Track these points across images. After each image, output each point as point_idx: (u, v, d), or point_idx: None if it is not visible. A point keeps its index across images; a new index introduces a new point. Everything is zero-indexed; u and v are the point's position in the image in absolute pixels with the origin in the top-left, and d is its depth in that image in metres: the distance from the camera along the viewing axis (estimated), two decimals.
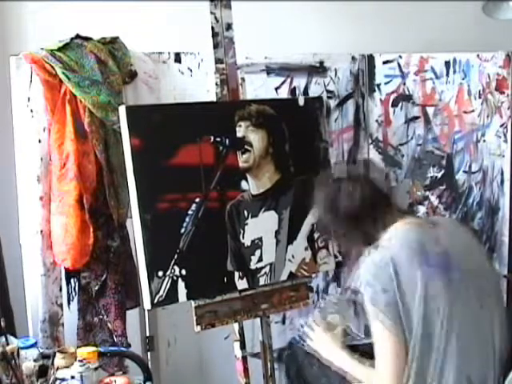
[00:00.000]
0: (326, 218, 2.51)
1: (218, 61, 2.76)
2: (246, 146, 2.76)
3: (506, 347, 2.41)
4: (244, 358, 2.83)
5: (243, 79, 2.91)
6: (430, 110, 3.67)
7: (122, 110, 2.52)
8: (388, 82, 3.60)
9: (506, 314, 2.45)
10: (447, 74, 3.67)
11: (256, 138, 2.78)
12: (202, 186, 2.65)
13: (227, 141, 2.70)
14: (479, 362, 2.31)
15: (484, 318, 2.34)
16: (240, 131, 2.76)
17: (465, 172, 3.74)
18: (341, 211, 2.40)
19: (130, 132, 2.51)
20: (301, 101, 3.00)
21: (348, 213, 2.39)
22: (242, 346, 2.82)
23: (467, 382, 2.27)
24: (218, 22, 2.75)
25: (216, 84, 2.76)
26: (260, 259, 2.78)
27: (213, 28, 2.75)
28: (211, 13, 2.73)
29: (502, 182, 3.78)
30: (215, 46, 2.76)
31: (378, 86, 3.59)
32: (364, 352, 2.53)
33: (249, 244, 2.76)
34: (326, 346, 2.55)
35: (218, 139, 2.69)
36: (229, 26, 2.78)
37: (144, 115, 2.59)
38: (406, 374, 2.24)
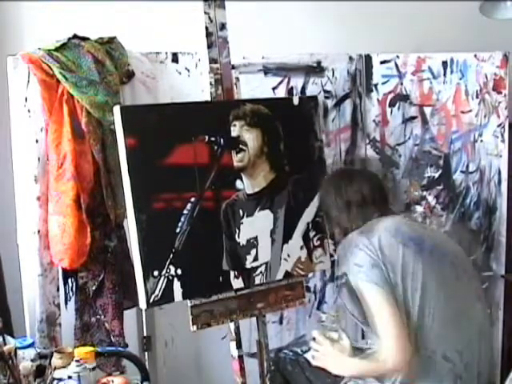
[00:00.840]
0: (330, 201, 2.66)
1: (212, 60, 2.77)
2: (240, 146, 2.76)
3: (488, 323, 2.49)
4: (240, 358, 2.83)
5: (238, 79, 2.91)
6: (428, 110, 3.66)
7: (117, 109, 2.53)
8: (385, 82, 3.59)
9: (505, 311, 2.49)
10: (444, 74, 3.66)
11: (251, 138, 2.79)
12: (197, 185, 2.65)
13: (222, 140, 2.71)
14: (457, 338, 2.35)
15: (460, 290, 2.39)
16: (235, 131, 2.76)
17: (462, 172, 3.73)
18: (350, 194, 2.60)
19: (124, 132, 2.51)
20: (295, 100, 3.00)
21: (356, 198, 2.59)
22: (238, 346, 2.82)
23: (444, 360, 2.34)
24: (211, 21, 2.76)
25: (210, 84, 2.76)
26: (255, 258, 2.78)
27: (207, 28, 2.75)
28: (205, 13, 2.73)
29: (500, 182, 3.77)
30: (209, 46, 2.76)
31: (376, 85, 3.58)
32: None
33: (244, 243, 2.76)
34: (336, 359, 2.53)
35: (213, 139, 2.69)
36: (223, 26, 2.78)
37: (138, 115, 2.59)
38: None
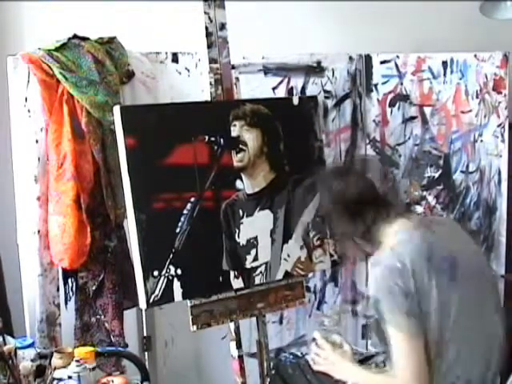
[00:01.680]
0: (328, 208, 2.48)
1: (212, 60, 2.77)
2: (240, 146, 2.76)
3: (503, 344, 2.43)
4: (240, 358, 2.83)
5: (237, 79, 2.91)
6: (428, 110, 3.67)
7: (117, 109, 2.53)
8: (385, 82, 3.60)
9: (505, 312, 2.46)
10: (444, 74, 3.67)
11: (251, 138, 2.79)
12: (196, 185, 2.65)
13: (222, 140, 2.71)
14: (479, 364, 2.31)
15: (484, 309, 2.35)
16: (234, 131, 2.76)
17: (462, 172, 3.74)
18: (346, 200, 2.38)
19: (124, 132, 2.52)
20: (295, 100, 3.01)
21: (353, 202, 2.37)
22: (238, 346, 2.82)
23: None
24: (211, 21, 2.76)
25: (210, 84, 2.76)
26: (255, 258, 2.78)
27: (206, 28, 2.75)
28: (205, 13, 2.74)
29: (500, 181, 3.77)
30: (209, 46, 2.76)
31: (376, 85, 3.59)
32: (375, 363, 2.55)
33: (244, 243, 2.76)
34: (337, 365, 2.46)
35: (213, 139, 2.69)
36: (222, 26, 2.79)
37: (138, 115, 2.60)
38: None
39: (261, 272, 2.80)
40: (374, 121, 3.61)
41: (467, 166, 3.75)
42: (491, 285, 2.46)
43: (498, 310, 2.41)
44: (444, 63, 3.66)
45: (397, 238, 2.31)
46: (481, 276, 2.40)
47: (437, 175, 3.71)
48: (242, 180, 2.78)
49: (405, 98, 3.64)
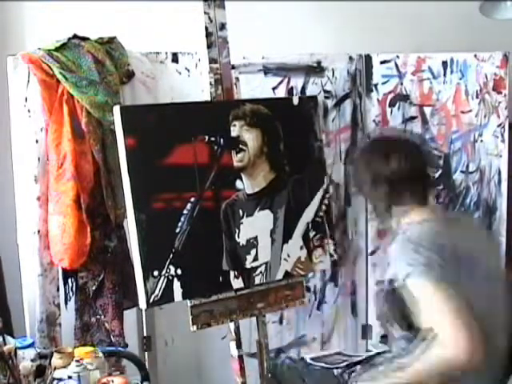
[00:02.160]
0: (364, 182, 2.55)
1: (211, 60, 2.76)
2: (240, 146, 2.76)
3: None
4: (240, 358, 2.83)
5: (237, 79, 2.91)
6: (428, 110, 3.66)
7: (117, 109, 2.53)
8: (385, 82, 3.59)
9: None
10: (444, 74, 3.66)
11: (250, 138, 2.79)
12: (196, 185, 2.65)
13: (222, 140, 2.70)
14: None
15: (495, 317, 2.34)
16: (234, 130, 2.76)
17: (462, 172, 3.73)
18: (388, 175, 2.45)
19: (124, 132, 2.51)
20: (295, 100, 3.00)
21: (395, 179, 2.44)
22: (238, 346, 2.82)
23: None
24: (211, 21, 2.75)
25: (210, 84, 2.76)
26: (255, 258, 2.78)
27: (206, 28, 2.75)
28: (205, 13, 2.73)
29: (500, 182, 3.76)
30: (209, 46, 2.75)
31: (376, 85, 3.58)
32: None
33: (244, 243, 2.76)
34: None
35: (213, 139, 2.69)
36: (222, 26, 2.78)
37: (138, 115, 2.59)
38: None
39: (261, 272, 2.80)
40: (374, 121, 3.60)
41: (467, 166, 3.74)
42: (503, 286, 2.46)
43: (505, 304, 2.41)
44: (444, 63, 3.66)
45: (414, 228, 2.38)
46: (494, 276, 2.41)
47: (437, 175, 3.70)
48: (241, 180, 2.77)
49: (405, 97, 3.63)
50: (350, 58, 3.55)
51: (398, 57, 3.60)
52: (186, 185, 2.64)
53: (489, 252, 2.51)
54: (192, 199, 2.64)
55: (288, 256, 2.87)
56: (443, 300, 2.14)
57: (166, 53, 3.22)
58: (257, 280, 2.79)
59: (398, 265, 2.30)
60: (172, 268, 2.58)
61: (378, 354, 2.85)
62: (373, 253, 3.67)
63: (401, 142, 2.65)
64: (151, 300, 2.54)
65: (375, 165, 2.50)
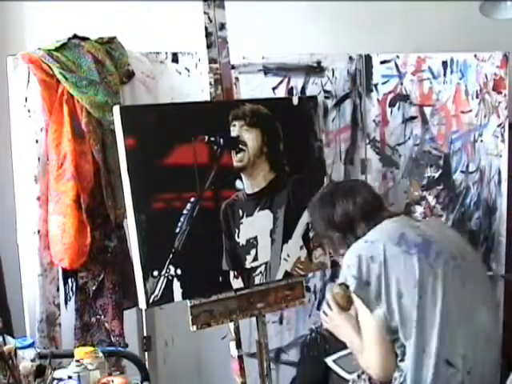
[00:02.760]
0: (319, 226, 2.60)
1: (211, 60, 2.77)
2: (240, 146, 2.76)
3: (496, 328, 2.46)
4: (240, 358, 2.83)
5: (237, 79, 2.91)
6: (428, 110, 3.67)
7: (116, 109, 2.53)
8: (385, 82, 3.60)
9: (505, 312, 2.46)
10: (444, 74, 3.66)
11: (250, 138, 2.79)
12: (196, 185, 2.65)
13: (221, 140, 2.71)
14: (462, 343, 2.34)
15: (466, 297, 2.37)
16: (234, 130, 2.76)
17: (462, 172, 3.74)
18: (336, 219, 2.50)
19: (124, 132, 2.52)
20: (295, 100, 3.00)
21: (343, 220, 2.49)
22: (238, 346, 2.82)
23: (446, 365, 2.31)
24: (211, 21, 2.76)
25: (210, 84, 2.76)
26: (255, 258, 2.78)
27: (206, 28, 2.75)
28: (204, 13, 2.73)
29: (500, 181, 3.77)
30: (209, 46, 2.76)
31: (376, 85, 3.59)
32: None
33: (244, 243, 2.76)
34: (340, 328, 2.53)
35: (213, 139, 2.69)
36: (222, 26, 2.78)
37: (138, 115, 2.60)
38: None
39: (260, 272, 2.80)
40: (374, 121, 3.61)
41: (467, 166, 3.74)
42: (480, 276, 2.52)
43: (486, 303, 2.44)
44: (444, 63, 3.66)
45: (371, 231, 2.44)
46: (467, 266, 2.45)
47: (437, 175, 3.71)
48: (241, 180, 2.77)
49: (405, 97, 3.63)
50: (350, 58, 3.55)
51: (398, 57, 3.60)
52: (186, 185, 2.64)
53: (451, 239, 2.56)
54: (192, 199, 2.64)
55: (288, 256, 2.87)
56: (370, 325, 2.35)
57: (166, 53, 3.22)
58: (257, 280, 2.79)
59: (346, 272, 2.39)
60: (172, 268, 2.58)
61: None
62: None
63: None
64: (151, 300, 2.55)
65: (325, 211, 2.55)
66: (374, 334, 2.34)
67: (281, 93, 3.41)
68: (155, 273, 2.55)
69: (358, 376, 2.56)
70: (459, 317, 2.35)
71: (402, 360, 2.34)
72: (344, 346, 2.61)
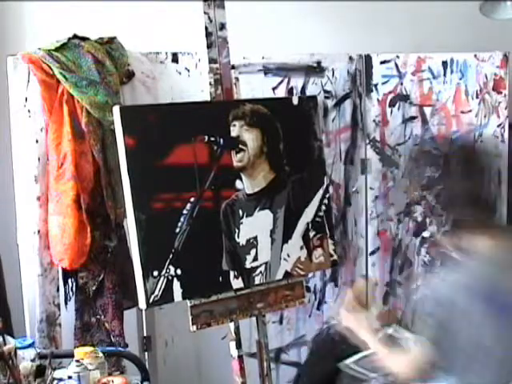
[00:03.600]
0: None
1: (211, 61, 2.76)
2: (240, 146, 2.75)
3: None
4: (240, 358, 2.83)
5: (237, 79, 2.91)
6: (428, 110, 3.67)
7: (116, 110, 2.52)
8: (385, 82, 3.60)
9: None
10: (444, 74, 3.67)
11: (250, 138, 2.78)
12: (196, 185, 2.64)
13: (221, 140, 2.70)
14: None
15: None
16: (234, 130, 2.75)
17: None
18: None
19: (124, 132, 2.51)
20: (295, 100, 3.00)
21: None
22: (238, 346, 2.82)
23: None
24: (211, 21, 2.75)
25: (210, 84, 2.76)
26: (255, 258, 2.78)
27: (206, 28, 2.74)
28: (204, 13, 2.73)
29: (500, 182, 3.76)
30: (209, 46, 2.75)
31: (376, 86, 3.59)
32: None
33: (244, 243, 2.75)
34: (354, 329, 2.48)
35: (212, 139, 2.68)
36: (222, 26, 2.78)
37: (138, 115, 2.58)
38: None
39: (260, 272, 2.80)
40: (374, 121, 3.61)
41: None
42: None
43: None
44: (444, 63, 3.66)
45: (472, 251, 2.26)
46: None
47: (437, 175, 3.70)
48: (241, 180, 2.77)
49: (405, 98, 3.64)
50: (350, 58, 3.55)
51: (398, 57, 3.61)
52: (186, 185, 2.64)
53: None
54: (192, 199, 2.64)
55: (288, 256, 2.86)
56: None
57: (166, 53, 3.23)
58: (256, 280, 2.79)
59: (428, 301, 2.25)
60: (172, 268, 2.57)
61: None
62: (373, 253, 3.67)
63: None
64: (151, 300, 2.54)
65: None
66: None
67: (281, 93, 3.41)
68: (155, 273, 2.54)
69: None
70: None
71: None
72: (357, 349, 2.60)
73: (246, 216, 2.77)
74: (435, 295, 2.22)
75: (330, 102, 3.53)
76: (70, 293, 3.02)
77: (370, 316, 2.48)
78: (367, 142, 3.61)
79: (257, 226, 2.79)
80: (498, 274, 2.21)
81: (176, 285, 2.58)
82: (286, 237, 2.86)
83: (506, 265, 2.23)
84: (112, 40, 3.04)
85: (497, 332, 2.13)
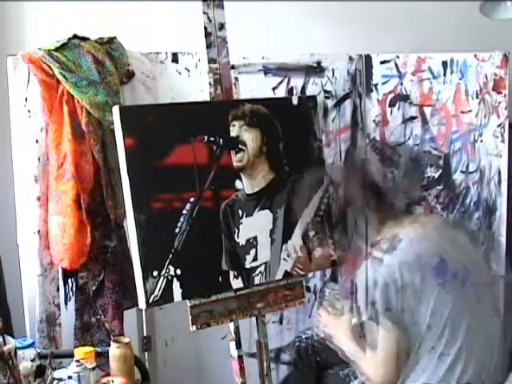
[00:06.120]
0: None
1: (211, 61, 2.76)
2: (239, 146, 2.76)
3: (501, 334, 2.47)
4: (240, 358, 2.83)
5: (237, 79, 2.91)
6: (428, 110, 3.66)
7: (116, 110, 2.53)
8: (385, 82, 3.59)
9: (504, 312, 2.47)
10: (444, 74, 3.66)
11: (250, 138, 2.78)
12: (196, 185, 2.65)
13: (221, 140, 2.70)
14: (479, 356, 2.35)
15: (481, 313, 2.37)
16: (234, 131, 2.76)
17: (462, 172, 3.73)
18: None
19: (123, 132, 2.51)
20: (294, 100, 3.00)
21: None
22: (238, 346, 2.82)
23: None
24: (210, 21, 2.75)
25: (209, 84, 2.76)
26: (255, 258, 2.78)
27: (205, 28, 2.74)
28: (204, 13, 2.73)
29: (500, 182, 3.76)
30: (208, 46, 2.75)
31: (376, 86, 3.59)
32: None
33: (243, 243, 2.76)
34: (333, 333, 2.62)
35: (212, 139, 2.69)
36: (221, 26, 2.78)
37: (137, 115, 2.59)
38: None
39: (260, 272, 2.80)
40: (374, 121, 3.60)
41: (467, 166, 3.74)
42: (489, 284, 2.49)
43: (496, 312, 2.43)
44: (444, 63, 3.66)
45: (398, 238, 2.47)
46: (477, 277, 2.45)
47: (437, 175, 3.71)
48: (241, 180, 2.77)
49: (405, 98, 3.63)
50: (350, 58, 3.55)
51: (398, 57, 3.60)
52: (186, 185, 2.64)
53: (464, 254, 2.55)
54: (191, 199, 2.64)
55: (288, 256, 2.87)
56: (389, 341, 2.38)
57: (166, 53, 3.22)
58: (256, 280, 2.79)
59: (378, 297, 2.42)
60: (171, 268, 2.58)
61: None
62: None
63: None
64: (151, 300, 2.54)
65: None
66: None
67: (281, 93, 3.41)
68: (155, 273, 2.54)
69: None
70: (475, 336, 2.36)
71: None
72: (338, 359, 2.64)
73: (246, 216, 2.77)
74: (377, 279, 2.41)
75: (330, 102, 3.52)
76: (70, 293, 3.02)
77: (349, 320, 2.53)
78: (367, 141, 3.60)
79: (256, 225, 2.79)
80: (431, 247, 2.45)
81: (176, 285, 2.58)
82: (286, 237, 2.86)
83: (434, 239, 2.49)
84: (112, 40, 3.04)
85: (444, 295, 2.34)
